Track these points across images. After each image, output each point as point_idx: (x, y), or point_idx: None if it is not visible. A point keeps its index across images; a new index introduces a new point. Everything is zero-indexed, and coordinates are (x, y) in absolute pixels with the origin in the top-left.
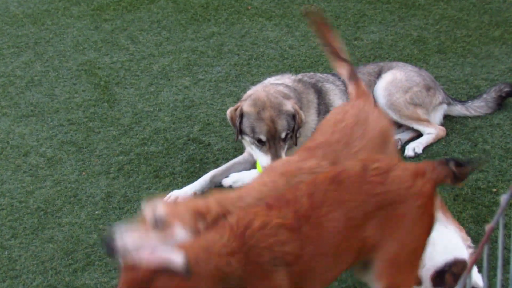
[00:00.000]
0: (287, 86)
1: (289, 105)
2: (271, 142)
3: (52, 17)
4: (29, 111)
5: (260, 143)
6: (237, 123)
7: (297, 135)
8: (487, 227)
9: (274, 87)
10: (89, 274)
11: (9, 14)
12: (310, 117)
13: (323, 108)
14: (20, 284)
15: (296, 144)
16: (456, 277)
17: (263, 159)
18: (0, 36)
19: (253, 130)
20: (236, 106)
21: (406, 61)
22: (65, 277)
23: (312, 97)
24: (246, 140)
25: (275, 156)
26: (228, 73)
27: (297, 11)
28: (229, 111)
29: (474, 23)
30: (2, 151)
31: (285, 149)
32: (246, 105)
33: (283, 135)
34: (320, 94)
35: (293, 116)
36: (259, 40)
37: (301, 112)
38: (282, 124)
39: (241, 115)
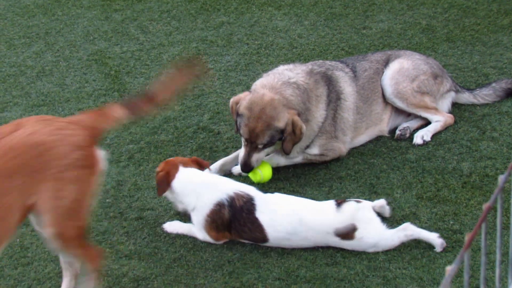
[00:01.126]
0: (298, 87)
1: (282, 122)
2: (249, 145)
3: (63, 8)
4: (40, 101)
5: (244, 140)
6: (235, 118)
7: (287, 143)
8: (485, 205)
9: (283, 89)
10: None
11: (20, 4)
12: (318, 112)
13: (334, 96)
14: (32, 271)
15: (288, 153)
16: (234, 209)
17: (241, 152)
18: (11, 27)
19: (240, 129)
20: (238, 97)
21: (414, 50)
22: None
23: (321, 91)
24: None
25: (246, 156)
26: (238, 62)
27: (306, 1)
28: (231, 101)
29: (483, 11)
30: None
31: (262, 153)
32: (243, 106)
33: (260, 146)
34: (331, 82)
35: (282, 131)
36: (269, 29)
37: (301, 125)
38: (263, 138)
39: (237, 113)
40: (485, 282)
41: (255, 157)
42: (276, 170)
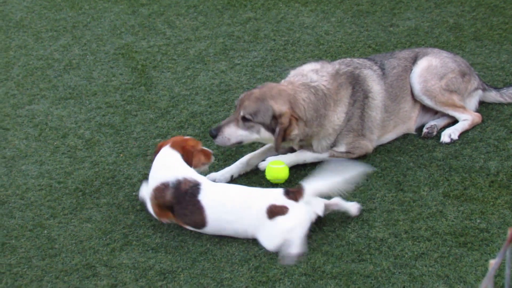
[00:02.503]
0: (316, 92)
1: (278, 106)
2: (235, 110)
3: (90, 1)
4: (67, 94)
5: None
6: None
7: (278, 141)
8: None
9: (299, 90)
10: (126, 254)
11: None
12: (335, 115)
13: (361, 95)
14: (59, 262)
15: (277, 150)
16: (178, 192)
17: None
18: (39, 20)
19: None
20: None
21: (442, 48)
22: (103, 256)
23: (343, 94)
24: None
25: (226, 121)
26: (264, 58)
27: None
28: None
29: (511, 10)
30: (41, 132)
31: (240, 131)
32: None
33: (241, 112)
34: (358, 81)
35: (273, 116)
36: (295, 26)
37: (294, 126)
38: (250, 106)
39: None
40: None
41: (231, 129)
42: (303, 166)
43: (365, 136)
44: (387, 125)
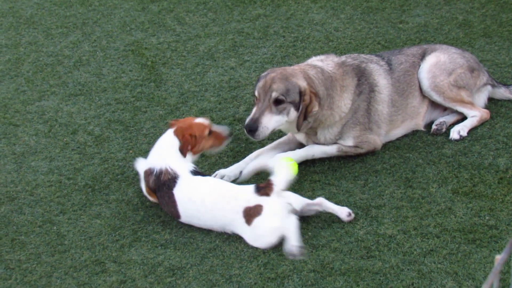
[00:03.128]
0: (322, 72)
1: (301, 81)
2: (262, 99)
3: None
4: (77, 90)
5: (256, 99)
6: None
7: (301, 121)
8: None
9: (307, 68)
10: (135, 250)
11: None
12: (342, 101)
13: (366, 87)
14: (68, 258)
15: (299, 129)
16: (158, 182)
17: (251, 112)
18: (49, 17)
19: (255, 86)
20: None
21: (451, 45)
22: (112, 252)
23: (349, 82)
24: None
25: (258, 111)
26: (274, 54)
27: None
28: None
29: None
30: (51, 129)
31: (275, 117)
32: (265, 72)
33: (274, 95)
34: (363, 74)
35: (300, 93)
36: (305, 22)
37: (315, 102)
38: (279, 86)
39: (258, 79)
40: None
41: (267, 117)
42: (312, 162)
43: (372, 130)
44: (395, 120)
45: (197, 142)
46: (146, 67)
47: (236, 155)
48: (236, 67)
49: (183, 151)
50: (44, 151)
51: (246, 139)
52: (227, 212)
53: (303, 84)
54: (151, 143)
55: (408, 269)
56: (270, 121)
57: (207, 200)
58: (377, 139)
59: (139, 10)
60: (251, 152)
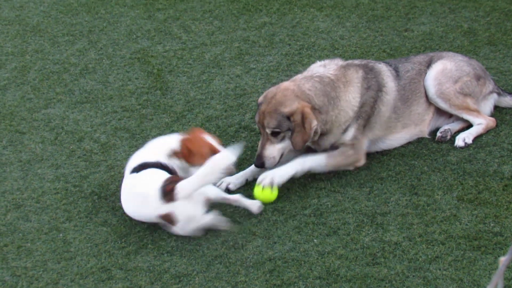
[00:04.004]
0: (321, 80)
1: (288, 108)
2: (261, 132)
3: (106, 6)
4: (83, 98)
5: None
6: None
7: (296, 136)
8: None
9: (302, 82)
10: (142, 257)
11: (64, 2)
12: (350, 95)
13: (374, 84)
14: (75, 265)
15: (298, 149)
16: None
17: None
18: (55, 24)
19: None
20: None
21: (457, 53)
22: (118, 260)
23: (352, 75)
24: None
25: (260, 145)
26: (279, 62)
27: (348, 2)
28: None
29: None
30: (57, 136)
31: (277, 145)
32: (261, 96)
33: (268, 131)
34: (371, 71)
35: (288, 118)
36: (310, 31)
37: (311, 120)
38: (269, 122)
39: (258, 106)
40: None
41: (269, 150)
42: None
43: (363, 133)
44: (393, 126)
45: (192, 156)
46: (152, 75)
47: (242, 162)
48: (242, 75)
49: (177, 156)
50: (50, 158)
51: (252, 147)
52: (148, 216)
53: (290, 108)
54: None
55: (413, 276)
56: (274, 151)
57: (131, 198)
58: (363, 147)
59: (145, 18)
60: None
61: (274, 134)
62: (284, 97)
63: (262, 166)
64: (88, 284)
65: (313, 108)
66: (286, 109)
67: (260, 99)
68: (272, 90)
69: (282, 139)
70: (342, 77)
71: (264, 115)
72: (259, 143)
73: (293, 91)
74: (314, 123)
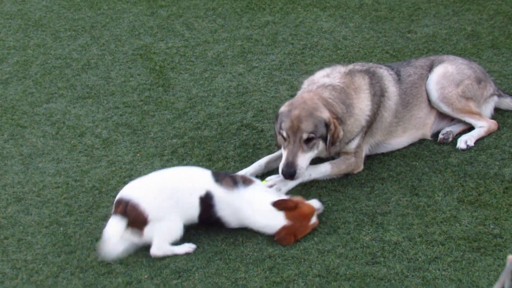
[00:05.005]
0: (334, 88)
1: (325, 114)
2: (292, 140)
3: (109, 2)
4: (85, 93)
5: (284, 139)
6: (275, 124)
7: (331, 148)
8: None
9: (321, 91)
10: (142, 252)
11: None
12: (363, 103)
13: (378, 89)
14: (75, 259)
15: (330, 155)
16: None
17: (283, 155)
18: (57, 20)
19: (280, 126)
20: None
21: (459, 55)
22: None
23: (360, 82)
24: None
25: (291, 153)
26: (282, 61)
27: (352, 3)
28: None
29: None
30: (58, 131)
31: (308, 154)
32: (282, 107)
33: (304, 136)
34: (374, 76)
35: (326, 125)
36: (313, 30)
37: (339, 127)
38: (307, 125)
39: (277, 116)
40: None
41: (301, 157)
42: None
43: (364, 140)
44: (394, 131)
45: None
46: (154, 72)
47: (243, 160)
48: (244, 73)
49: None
50: (51, 153)
51: (253, 145)
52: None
53: (326, 115)
54: (158, 147)
55: (412, 276)
56: (304, 160)
57: None
58: (364, 154)
59: (148, 14)
60: (259, 158)
61: (308, 140)
62: (315, 104)
63: (293, 176)
64: (88, 277)
65: (337, 118)
66: (324, 115)
67: (284, 108)
68: (297, 99)
69: (312, 147)
70: (350, 84)
71: (300, 120)
72: (287, 152)
73: (319, 99)
74: (342, 133)
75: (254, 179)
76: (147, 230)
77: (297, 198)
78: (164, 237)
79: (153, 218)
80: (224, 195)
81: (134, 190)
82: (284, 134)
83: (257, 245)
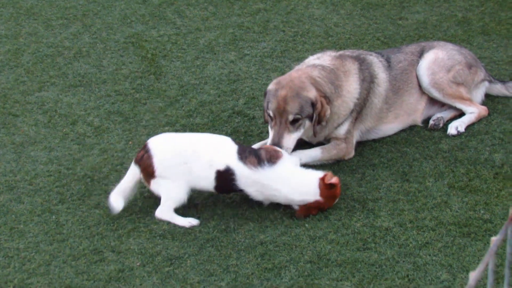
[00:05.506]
0: (323, 68)
1: (311, 93)
2: (278, 121)
3: None
4: (77, 81)
5: (271, 119)
6: (263, 102)
7: (316, 127)
8: None
9: (309, 70)
10: (134, 240)
11: None
12: (351, 86)
13: (368, 75)
14: (67, 247)
15: (316, 136)
16: None
17: (269, 134)
18: (49, 8)
19: (267, 106)
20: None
21: (450, 42)
22: (111, 242)
23: (350, 66)
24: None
25: (277, 134)
26: (274, 49)
27: None
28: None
29: None
30: (50, 119)
31: (294, 135)
32: (271, 84)
33: (290, 118)
34: (364, 62)
35: (312, 104)
36: (305, 17)
37: (326, 106)
38: (293, 107)
39: (265, 94)
40: None
41: (287, 139)
42: None
43: (354, 126)
44: (384, 117)
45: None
46: (146, 60)
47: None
48: (236, 61)
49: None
50: (43, 141)
51: (245, 132)
52: None
53: (313, 94)
54: (150, 135)
55: (403, 261)
56: (290, 141)
57: None
58: (354, 140)
59: (139, 2)
60: (250, 145)
61: (294, 121)
62: (302, 83)
63: None
64: (80, 265)
65: (325, 97)
66: (310, 94)
67: (272, 86)
68: (285, 77)
69: (298, 127)
70: (340, 66)
71: (286, 101)
72: (273, 133)
73: (307, 77)
74: (329, 111)
75: (280, 150)
76: (153, 184)
77: (336, 177)
78: (165, 197)
79: (159, 175)
80: (248, 173)
81: (158, 143)
82: (271, 114)
83: (248, 232)
